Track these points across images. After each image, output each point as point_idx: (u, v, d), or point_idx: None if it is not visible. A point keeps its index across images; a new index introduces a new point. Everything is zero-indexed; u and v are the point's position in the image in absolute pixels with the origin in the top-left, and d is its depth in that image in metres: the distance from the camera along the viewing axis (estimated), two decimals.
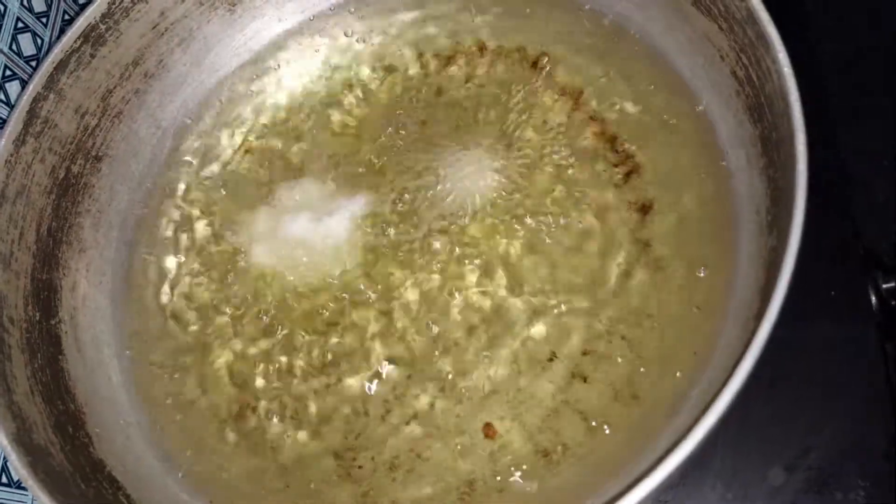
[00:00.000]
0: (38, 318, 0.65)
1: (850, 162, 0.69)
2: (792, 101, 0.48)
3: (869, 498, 0.59)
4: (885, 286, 0.65)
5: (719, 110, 0.61)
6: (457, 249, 0.64)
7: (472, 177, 0.66)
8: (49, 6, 0.76)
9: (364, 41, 0.78)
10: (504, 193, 0.65)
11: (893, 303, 0.65)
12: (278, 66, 0.79)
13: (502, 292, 0.62)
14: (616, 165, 0.64)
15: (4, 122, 0.67)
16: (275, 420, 0.62)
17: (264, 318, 0.66)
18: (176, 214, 0.74)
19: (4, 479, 0.67)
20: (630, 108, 0.66)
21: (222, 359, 0.66)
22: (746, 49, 0.55)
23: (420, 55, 0.75)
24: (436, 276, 0.63)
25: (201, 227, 0.72)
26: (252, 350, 0.66)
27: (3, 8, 0.69)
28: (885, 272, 0.65)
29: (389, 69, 0.75)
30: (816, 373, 0.63)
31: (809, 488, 0.60)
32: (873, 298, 0.65)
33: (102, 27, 0.69)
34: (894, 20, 0.73)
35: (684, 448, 0.43)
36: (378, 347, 0.62)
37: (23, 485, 0.66)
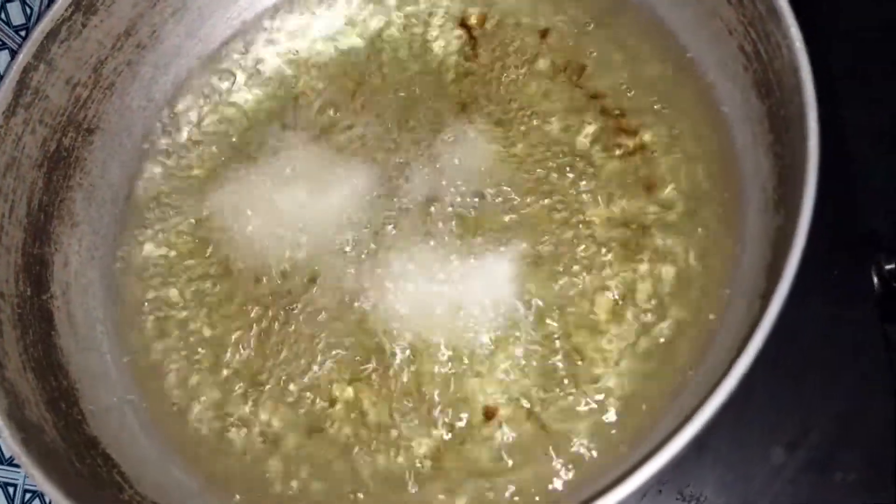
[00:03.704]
0: (29, 293, 0.64)
1: (852, 141, 0.68)
2: (804, 77, 0.48)
3: (868, 478, 0.59)
4: (887, 267, 0.65)
5: (726, 86, 0.60)
6: (462, 226, 0.63)
7: (475, 152, 0.66)
8: None
9: (362, 12, 0.76)
10: (507, 169, 0.64)
11: (895, 284, 0.65)
12: (274, 37, 0.77)
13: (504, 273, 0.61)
14: (620, 143, 0.63)
15: None
16: (271, 398, 0.62)
17: (268, 295, 0.65)
18: (169, 188, 0.72)
19: None
20: (634, 84, 0.65)
21: (215, 335, 0.65)
22: (755, 23, 0.54)
23: (420, 29, 0.73)
24: (435, 253, 0.63)
25: (194, 201, 0.71)
26: (244, 326, 0.65)
27: None
28: (887, 254, 0.65)
29: (387, 42, 0.74)
30: (817, 353, 0.63)
31: (809, 468, 0.60)
32: (875, 280, 0.64)
33: None
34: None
35: (688, 431, 0.42)
36: (378, 327, 0.62)
37: (14, 461, 0.65)
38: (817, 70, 0.49)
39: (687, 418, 0.43)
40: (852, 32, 0.72)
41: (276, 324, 0.64)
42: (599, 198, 0.62)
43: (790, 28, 0.49)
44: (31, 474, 0.51)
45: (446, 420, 0.58)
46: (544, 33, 0.69)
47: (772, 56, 0.53)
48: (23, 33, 0.74)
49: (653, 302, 0.58)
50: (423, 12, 0.74)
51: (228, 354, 0.64)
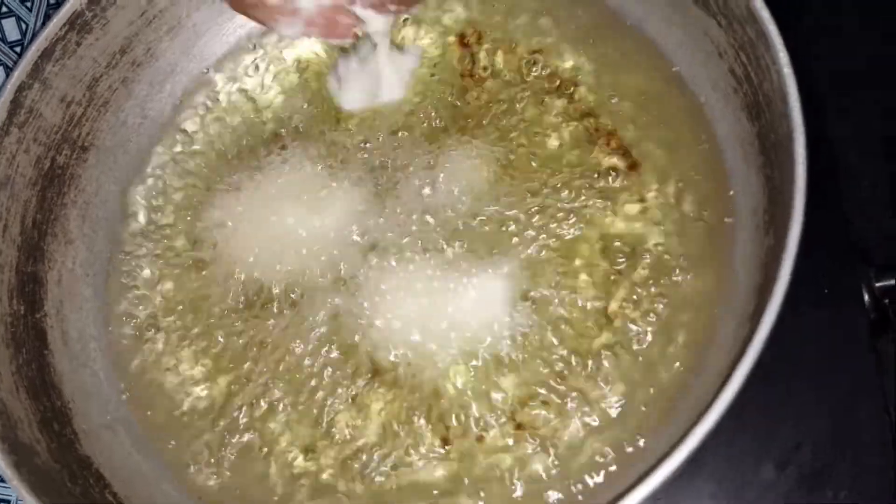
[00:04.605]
0: (23, 311, 0.64)
1: (841, 158, 0.69)
2: (791, 102, 0.48)
3: (859, 494, 0.60)
4: (877, 284, 0.65)
5: (717, 107, 0.61)
6: (458, 243, 0.63)
7: (471, 170, 0.66)
8: None
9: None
10: (502, 186, 0.65)
11: (886, 301, 0.65)
12: (269, 54, 0.77)
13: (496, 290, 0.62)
14: (613, 161, 0.64)
15: None
16: (266, 417, 0.62)
17: (263, 313, 0.65)
18: (163, 205, 0.73)
19: None
20: (626, 103, 0.65)
21: (209, 353, 0.65)
22: (745, 47, 0.55)
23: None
24: (430, 274, 0.63)
25: (189, 218, 0.71)
26: (237, 344, 0.65)
27: None
28: (877, 271, 0.65)
29: None
30: (808, 369, 0.63)
31: (801, 486, 0.60)
32: (866, 296, 0.65)
33: (88, 14, 0.68)
34: (884, 15, 0.73)
35: (679, 455, 0.43)
36: (372, 344, 0.62)
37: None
38: (805, 88, 0.50)
39: (679, 441, 0.43)
40: (838, 47, 0.72)
41: (272, 343, 0.64)
42: (594, 215, 0.62)
43: (779, 53, 0.50)
44: (23, 497, 0.51)
45: (442, 436, 0.58)
46: (539, 52, 0.70)
47: (761, 79, 0.53)
48: (17, 49, 0.74)
49: (646, 321, 0.58)
50: (420, 30, 0.74)
51: (223, 374, 0.64)
